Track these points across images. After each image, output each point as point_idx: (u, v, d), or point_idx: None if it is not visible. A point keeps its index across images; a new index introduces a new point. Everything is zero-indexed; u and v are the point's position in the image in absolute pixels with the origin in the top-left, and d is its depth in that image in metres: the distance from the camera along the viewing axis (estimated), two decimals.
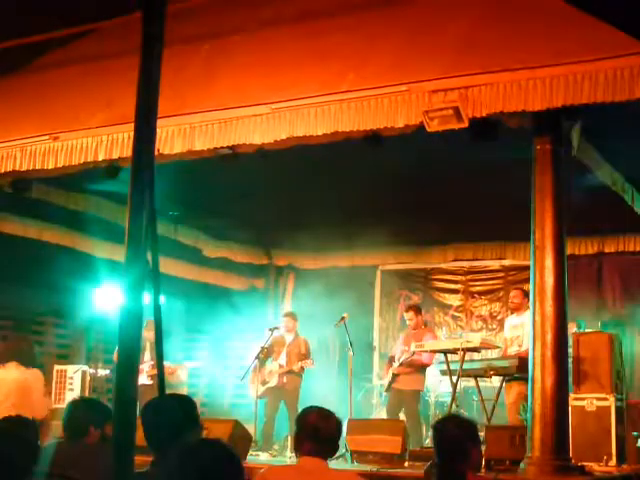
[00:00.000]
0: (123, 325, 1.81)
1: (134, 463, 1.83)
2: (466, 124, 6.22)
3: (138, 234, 1.81)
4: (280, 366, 10.83)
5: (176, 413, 3.48)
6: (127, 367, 1.80)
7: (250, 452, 8.71)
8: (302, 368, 10.80)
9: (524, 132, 6.71)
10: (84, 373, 11.13)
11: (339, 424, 4.28)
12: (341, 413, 8.05)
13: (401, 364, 10.29)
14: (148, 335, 8.05)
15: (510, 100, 6.09)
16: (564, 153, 6.72)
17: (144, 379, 10.45)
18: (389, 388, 10.47)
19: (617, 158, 7.83)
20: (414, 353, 10.12)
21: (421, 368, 10.39)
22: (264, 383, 10.77)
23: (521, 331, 9.49)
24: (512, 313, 10.12)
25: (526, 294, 10.18)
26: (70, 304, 11.98)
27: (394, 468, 7.66)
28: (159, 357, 1.97)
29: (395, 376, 10.37)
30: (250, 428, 9.09)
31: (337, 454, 8.18)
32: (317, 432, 4.14)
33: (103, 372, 11.77)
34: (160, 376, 2.18)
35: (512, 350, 9.53)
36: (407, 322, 10.90)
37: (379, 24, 7.40)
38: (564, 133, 6.67)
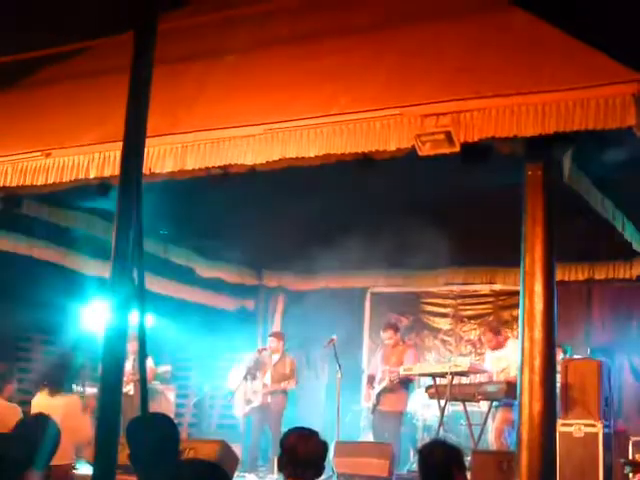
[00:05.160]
0: (107, 343, 1.80)
1: None
2: (458, 149, 6.22)
3: (124, 252, 1.79)
4: (264, 385, 10.79)
5: (160, 433, 3.45)
6: (111, 386, 1.78)
7: (237, 473, 8.66)
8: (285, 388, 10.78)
9: (516, 158, 6.72)
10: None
11: (320, 444, 4.23)
12: (329, 435, 8.01)
13: (391, 382, 10.27)
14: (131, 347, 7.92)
15: (502, 125, 6.10)
16: (555, 179, 6.73)
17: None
18: (374, 410, 10.44)
19: (608, 185, 7.85)
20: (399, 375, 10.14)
21: (405, 385, 10.37)
22: (248, 402, 10.74)
23: (505, 363, 9.48)
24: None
25: (496, 330, 10.21)
26: (58, 322, 11.90)
27: None
28: (142, 378, 1.95)
29: (379, 397, 10.33)
30: (237, 449, 9.05)
31: (324, 476, 8.20)
32: (296, 454, 4.09)
33: (91, 390, 11.67)
34: (143, 395, 2.16)
35: None
36: (385, 341, 10.88)
37: (373, 47, 7.43)
38: (555, 159, 6.67)
